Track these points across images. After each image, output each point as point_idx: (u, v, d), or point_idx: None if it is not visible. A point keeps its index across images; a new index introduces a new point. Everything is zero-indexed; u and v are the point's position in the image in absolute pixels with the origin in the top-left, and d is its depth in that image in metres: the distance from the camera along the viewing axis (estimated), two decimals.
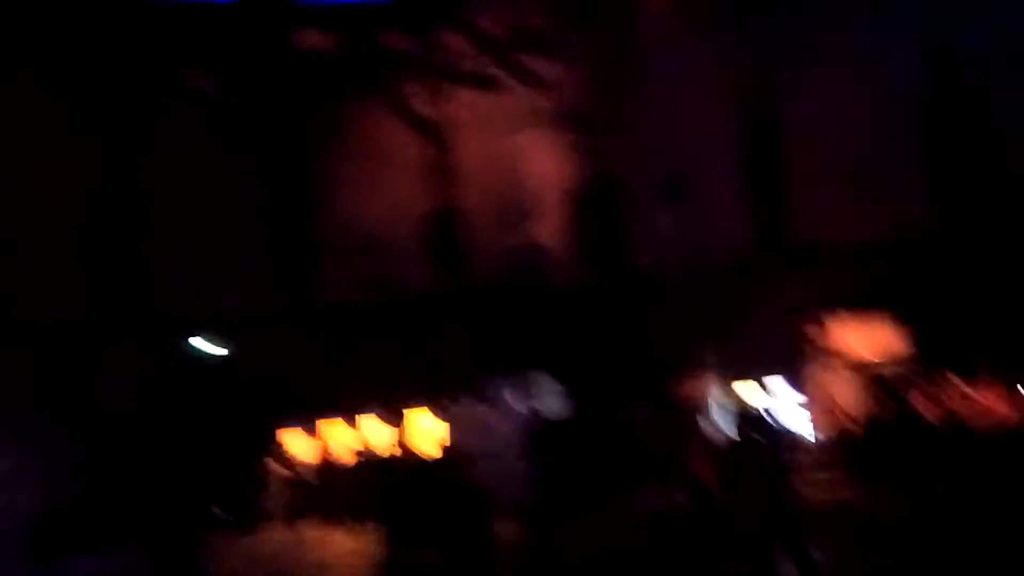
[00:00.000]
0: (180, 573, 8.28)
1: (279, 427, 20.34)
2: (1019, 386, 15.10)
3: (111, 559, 15.10)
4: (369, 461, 18.69)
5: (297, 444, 20.21)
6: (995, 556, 7.50)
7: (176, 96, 21.90)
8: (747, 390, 18.46)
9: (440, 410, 19.28)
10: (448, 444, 18.22)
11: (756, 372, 18.60)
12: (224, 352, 20.66)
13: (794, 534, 7.21)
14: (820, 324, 19.34)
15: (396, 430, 19.45)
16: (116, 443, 19.14)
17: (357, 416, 20.00)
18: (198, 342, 20.34)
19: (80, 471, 18.02)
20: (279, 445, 20.22)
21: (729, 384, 18.60)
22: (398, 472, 18.18)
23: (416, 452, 18.58)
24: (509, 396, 18.77)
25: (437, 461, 19.00)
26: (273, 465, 18.98)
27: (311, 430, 20.43)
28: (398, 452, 18.80)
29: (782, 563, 7.23)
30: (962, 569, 7.54)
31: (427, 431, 19.44)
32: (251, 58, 22.37)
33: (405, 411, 19.60)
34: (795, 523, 7.26)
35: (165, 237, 20.70)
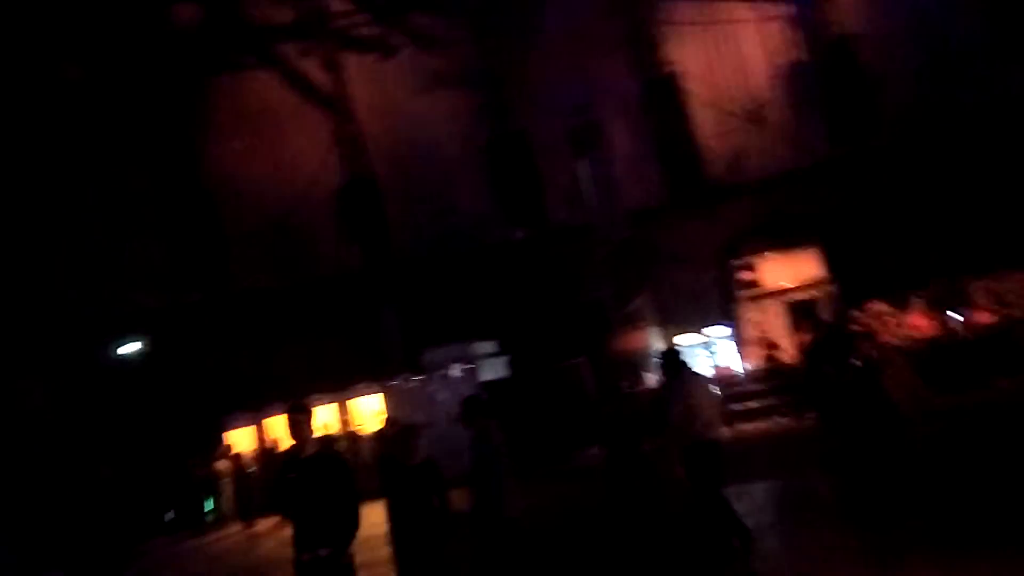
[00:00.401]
0: None
1: (220, 424, 19.88)
2: (941, 308, 16.41)
3: None
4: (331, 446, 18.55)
5: (239, 439, 19.82)
6: (921, 475, 8.10)
7: (52, 89, 20.68)
8: (680, 334, 19.15)
9: (378, 387, 19.29)
10: (391, 419, 18.32)
11: (686, 315, 19.34)
12: (146, 352, 20.01)
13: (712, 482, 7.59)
14: (742, 260, 20.26)
15: (341, 411, 19.35)
16: (41, 457, 18.40)
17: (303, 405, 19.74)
18: (120, 346, 19.61)
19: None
20: (222, 442, 19.80)
21: (662, 330, 19.31)
22: (347, 453, 18.32)
23: (361, 432, 18.65)
24: (445, 365, 18.91)
25: (382, 438, 19.31)
26: (219, 463, 18.58)
27: (251, 423, 20.06)
28: (345, 431, 18.80)
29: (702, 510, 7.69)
30: (886, 490, 8.09)
31: (368, 410, 19.44)
32: (130, 40, 21.25)
33: (347, 393, 19.48)
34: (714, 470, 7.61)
35: (68, 243, 19.76)
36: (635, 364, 17.94)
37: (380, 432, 13.72)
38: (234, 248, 22.45)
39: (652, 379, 16.44)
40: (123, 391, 19.78)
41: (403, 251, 21.68)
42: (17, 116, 20.23)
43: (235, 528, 17.44)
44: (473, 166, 21.90)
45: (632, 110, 21.50)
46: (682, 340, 18.55)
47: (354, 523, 5.86)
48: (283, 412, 17.29)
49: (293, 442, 6.12)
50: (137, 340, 20.42)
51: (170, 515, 18.56)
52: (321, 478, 5.86)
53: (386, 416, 18.51)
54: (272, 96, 22.34)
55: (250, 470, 18.28)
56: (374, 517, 10.46)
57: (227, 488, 18.21)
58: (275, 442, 18.70)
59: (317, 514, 5.76)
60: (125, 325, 20.34)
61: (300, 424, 6.15)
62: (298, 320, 21.30)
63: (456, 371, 18.69)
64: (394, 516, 6.88)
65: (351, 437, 18.66)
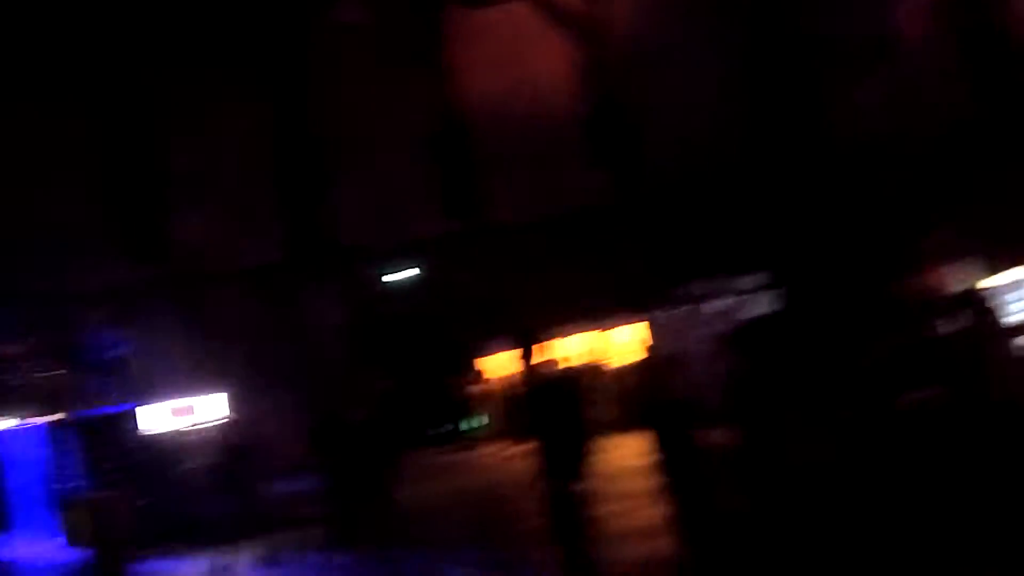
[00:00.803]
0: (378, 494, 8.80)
1: (478, 348, 20.61)
2: None
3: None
4: (568, 376, 18.64)
5: (496, 364, 20.45)
6: None
7: (331, 31, 21.91)
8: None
9: (635, 319, 18.89)
10: (648, 353, 17.97)
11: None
12: (416, 279, 21.09)
13: None
14: None
15: (592, 344, 19.26)
16: (328, 371, 20.16)
17: (552, 333, 19.93)
18: (392, 272, 20.83)
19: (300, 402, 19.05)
20: (478, 366, 20.54)
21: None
22: (597, 386, 18.34)
23: (612, 365, 18.56)
24: (707, 298, 18.07)
25: (636, 371, 19.12)
26: (478, 385, 19.30)
27: (509, 349, 20.57)
28: (596, 366, 18.71)
29: None
30: None
31: (624, 342, 19.15)
32: None
33: (599, 324, 19.33)
34: None
35: (346, 176, 21.12)
36: (935, 304, 15.94)
37: (640, 364, 13.46)
38: (491, 179, 22.82)
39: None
40: (398, 313, 21.07)
41: (661, 177, 20.85)
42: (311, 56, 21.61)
43: (491, 448, 18.13)
44: (737, 85, 20.42)
45: (930, 18, 18.89)
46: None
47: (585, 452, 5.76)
48: (534, 341, 17.52)
49: (540, 370, 6.02)
50: (411, 266, 21.56)
51: (434, 430, 19.77)
52: (560, 406, 5.71)
53: (647, 347, 18.18)
54: (520, 21, 22.13)
55: (507, 394, 18.85)
56: (625, 449, 10.20)
57: (485, 409, 18.95)
58: (531, 369, 19.04)
59: (557, 441, 5.62)
60: (401, 252, 21.51)
61: (539, 353, 6.05)
62: (553, 251, 21.35)
63: (719, 304, 17.79)
64: (661, 449, 6.54)
65: (604, 369, 18.54)
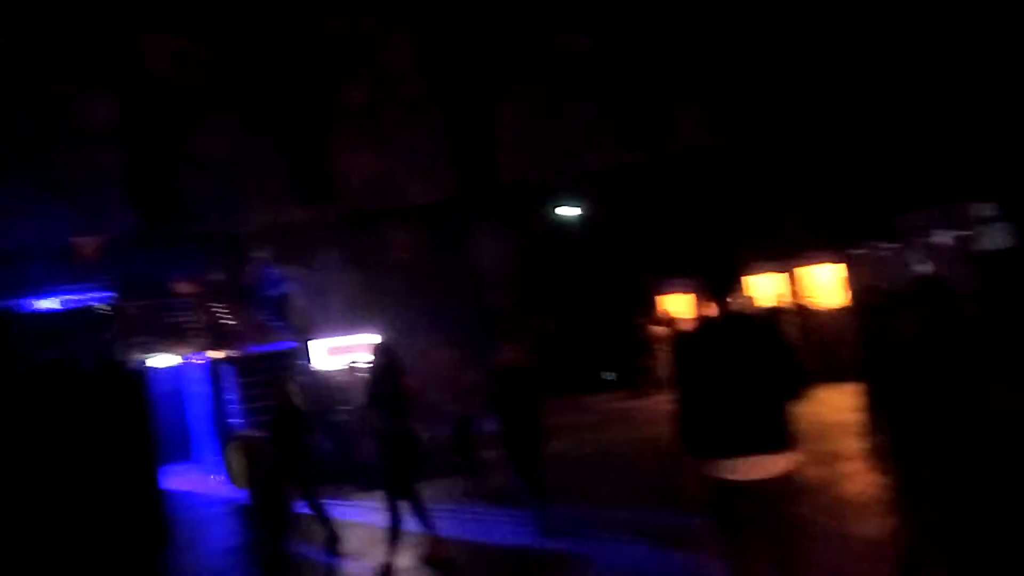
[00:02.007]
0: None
1: (657, 288, 19.54)
2: None
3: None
4: (758, 319, 17.14)
5: (675, 304, 19.30)
6: None
7: None
8: None
9: (839, 257, 17.06)
10: (852, 293, 16.25)
11: None
12: (587, 213, 20.17)
13: None
14: None
15: (789, 283, 17.61)
16: (496, 307, 19.82)
17: (742, 271, 18.46)
18: (564, 206, 20.01)
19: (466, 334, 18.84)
20: (659, 306, 19.48)
21: None
22: (790, 329, 16.77)
23: (810, 305, 16.88)
24: (927, 231, 15.96)
25: (836, 313, 17.43)
26: (656, 327, 18.22)
27: (688, 290, 19.36)
28: (794, 305, 17.08)
29: None
30: None
31: (822, 281, 17.39)
32: None
33: (797, 262, 17.63)
34: None
35: (511, 110, 20.43)
36: None
37: (863, 303, 11.98)
38: (676, 104, 21.38)
39: None
40: (566, 251, 20.27)
41: (869, 98, 18.65)
42: None
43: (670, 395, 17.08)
44: None
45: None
46: None
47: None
48: (726, 279, 16.13)
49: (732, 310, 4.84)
50: (578, 202, 20.62)
51: (609, 375, 18.96)
52: (761, 350, 4.51)
53: (865, 286, 16.45)
54: None
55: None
56: (830, 404, 8.91)
57: (663, 353, 17.80)
58: (723, 308, 17.74)
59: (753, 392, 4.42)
60: (568, 186, 20.60)
61: (730, 292, 4.86)
62: (743, 180, 19.71)
63: (943, 238, 15.70)
64: (886, 405, 5.31)
65: (801, 311, 16.90)
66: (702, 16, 20.55)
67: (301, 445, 8.28)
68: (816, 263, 17.45)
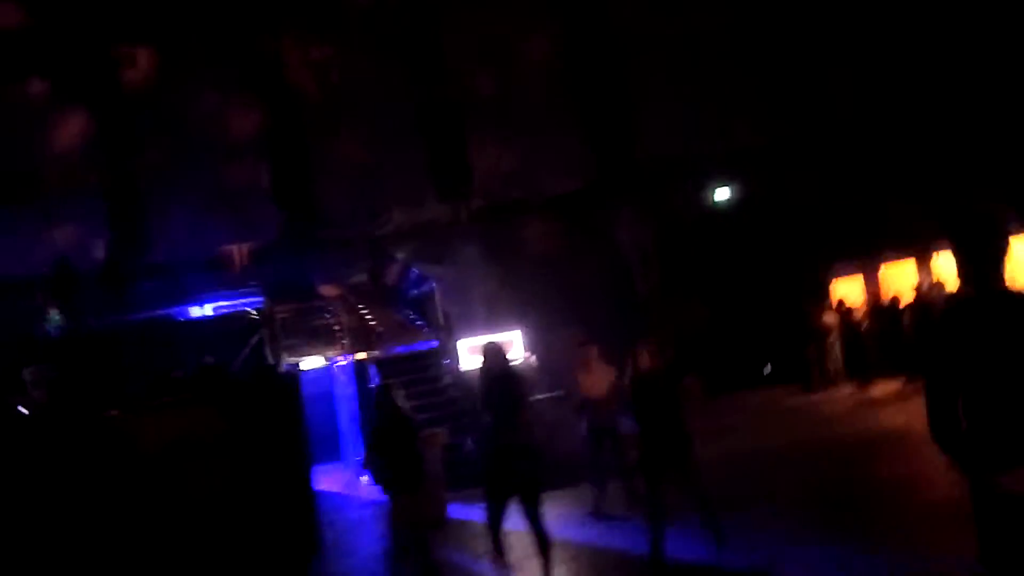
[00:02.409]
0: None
1: (826, 273, 18.41)
2: None
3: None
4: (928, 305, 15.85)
5: (846, 289, 18.15)
6: None
7: None
8: None
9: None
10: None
11: None
12: (744, 194, 19.24)
13: None
14: None
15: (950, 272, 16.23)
16: (644, 297, 19.30)
17: (914, 254, 17.14)
18: (714, 186, 19.22)
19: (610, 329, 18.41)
20: (829, 292, 18.36)
21: None
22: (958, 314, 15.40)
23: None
24: None
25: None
26: (826, 315, 17.16)
27: (860, 272, 18.17)
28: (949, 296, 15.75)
29: None
30: None
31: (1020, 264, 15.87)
32: None
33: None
34: None
35: (653, 91, 19.78)
36: None
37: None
38: (833, 75, 20.16)
39: None
40: (717, 235, 19.44)
41: None
42: None
43: (846, 389, 16.07)
44: None
45: None
46: None
47: None
48: (899, 259, 14.90)
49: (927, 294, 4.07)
50: (732, 182, 19.75)
51: (767, 368, 18.02)
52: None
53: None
54: None
55: (862, 324, 16.56)
56: None
57: (835, 344, 16.78)
58: (889, 294, 16.64)
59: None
60: (717, 167, 19.77)
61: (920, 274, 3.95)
62: (916, 151, 18.25)
63: None
64: None
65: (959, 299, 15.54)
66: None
67: (413, 453, 7.88)
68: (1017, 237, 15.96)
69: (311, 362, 13.23)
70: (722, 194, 19.92)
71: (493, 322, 14.82)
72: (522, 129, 19.82)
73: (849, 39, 19.57)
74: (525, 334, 14.40)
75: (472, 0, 19.81)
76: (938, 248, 16.64)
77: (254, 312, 11.85)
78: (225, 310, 13.08)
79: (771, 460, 10.91)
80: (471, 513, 9.91)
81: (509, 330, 13.82)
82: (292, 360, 12.86)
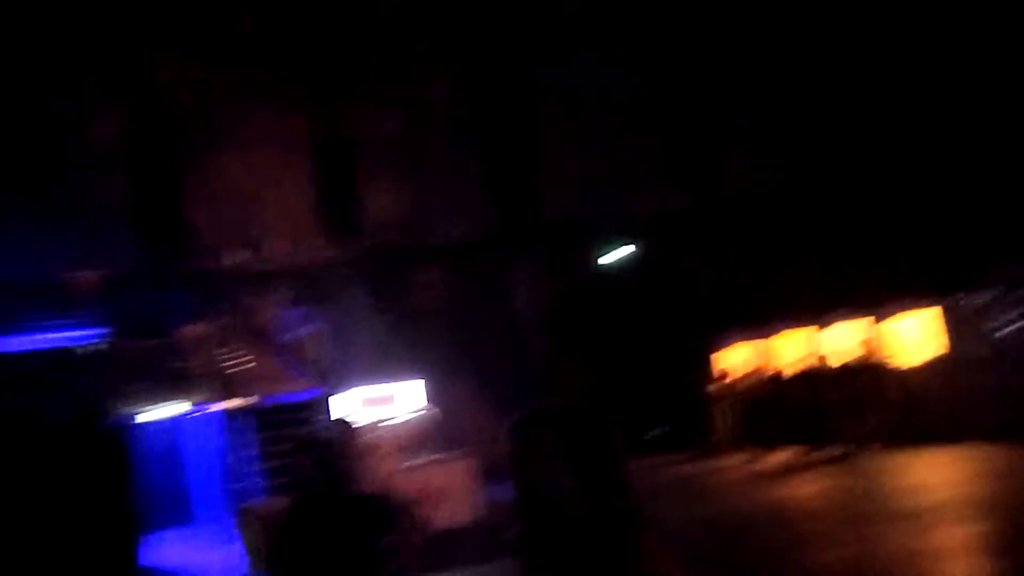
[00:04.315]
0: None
1: (712, 342, 17.35)
2: None
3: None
4: (834, 376, 14.91)
5: (733, 360, 17.11)
6: None
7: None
8: None
9: (924, 305, 14.86)
10: (939, 352, 14.05)
11: None
12: (633, 260, 18.08)
13: None
14: None
15: (862, 337, 15.37)
16: (533, 352, 17.72)
17: (804, 324, 16.30)
18: (608, 249, 17.93)
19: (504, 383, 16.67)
20: (712, 361, 17.28)
21: None
22: (868, 388, 14.57)
23: (887, 365, 14.65)
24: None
25: (916, 374, 15.16)
26: (714, 384, 16.01)
27: (748, 343, 17.20)
28: (872, 365, 14.82)
29: None
30: None
31: (905, 336, 15.18)
32: None
33: (871, 312, 15.44)
34: None
35: (555, 147, 18.46)
36: None
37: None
38: (732, 143, 19.41)
39: None
40: (609, 299, 18.16)
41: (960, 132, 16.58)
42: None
43: (732, 458, 14.83)
44: None
45: None
46: None
47: None
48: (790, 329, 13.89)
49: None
50: (624, 246, 18.55)
51: (653, 433, 16.74)
52: None
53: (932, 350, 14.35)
54: None
55: (744, 395, 15.46)
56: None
57: (724, 412, 15.58)
58: (774, 366, 15.65)
59: None
60: (614, 230, 18.56)
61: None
62: (810, 223, 17.60)
63: None
64: None
65: (878, 369, 14.67)
66: (758, 53, 18.71)
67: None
68: (898, 314, 15.24)
69: (163, 411, 10.71)
70: (618, 256, 18.70)
71: (388, 370, 12.75)
72: (420, 171, 18.04)
73: (751, 105, 18.93)
74: (427, 384, 12.41)
75: (374, 33, 18.06)
76: (830, 320, 15.96)
77: (91, 347, 9.35)
78: (58, 343, 10.48)
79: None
80: None
81: (409, 379, 11.82)
82: (141, 406, 10.37)
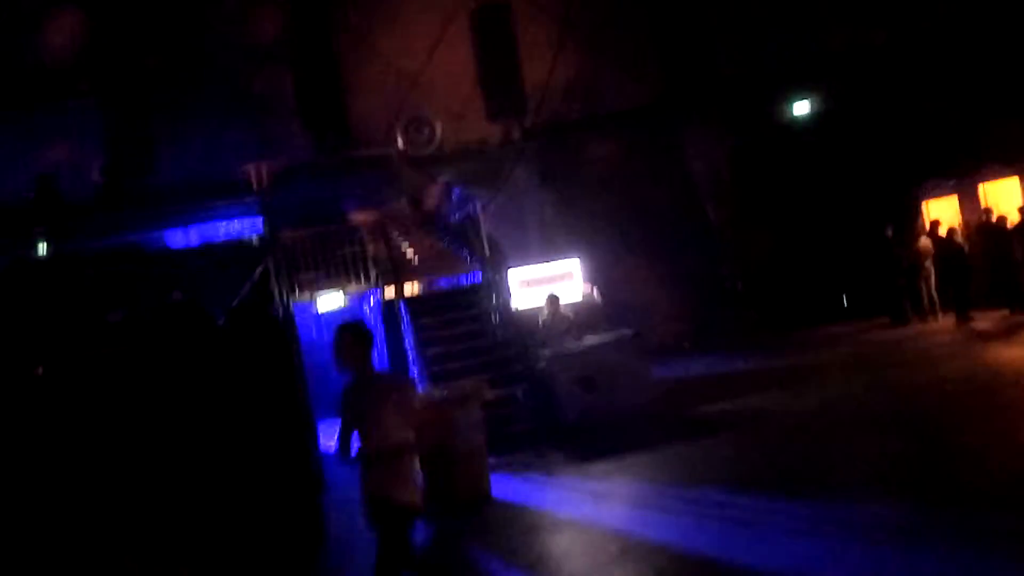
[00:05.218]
0: None
1: (917, 192, 15.39)
2: None
3: None
4: None
5: (941, 211, 15.11)
6: None
7: None
8: None
9: None
10: None
11: None
12: (826, 106, 16.09)
13: None
14: None
15: None
16: (710, 221, 16.55)
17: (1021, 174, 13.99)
18: (793, 101, 16.08)
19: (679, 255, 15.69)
20: (921, 214, 15.37)
21: None
22: None
23: None
24: None
25: None
26: (919, 239, 14.18)
27: (956, 192, 15.08)
28: None
29: None
30: None
31: None
32: None
33: None
34: None
35: None
36: None
37: None
38: None
39: None
40: (794, 157, 16.41)
41: None
42: None
43: (943, 322, 13.17)
44: None
45: None
46: None
47: None
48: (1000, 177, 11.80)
49: None
50: (813, 94, 16.54)
51: (851, 300, 15.22)
52: None
53: None
54: None
55: (964, 248, 13.50)
56: None
57: (931, 272, 13.76)
58: (991, 214, 13.53)
59: None
60: (802, 74, 16.53)
61: None
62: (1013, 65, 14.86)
63: None
64: None
65: None
66: None
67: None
68: None
69: (330, 300, 10.68)
70: (802, 108, 16.72)
71: (548, 251, 12.10)
72: (582, 36, 16.78)
73: None
74: (585, 264, 11.69)
75: None
76: None
77: (260, 239, 9.31)
78: (234, 235, 10.62)
79: (856, 418, 8.04)
80: (522, 490, 7.36)
81: (566, 259, 11.14)
82: (306, 297, 10.37)
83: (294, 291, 10.18)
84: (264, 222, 10.47)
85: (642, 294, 14.32)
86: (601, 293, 11.84)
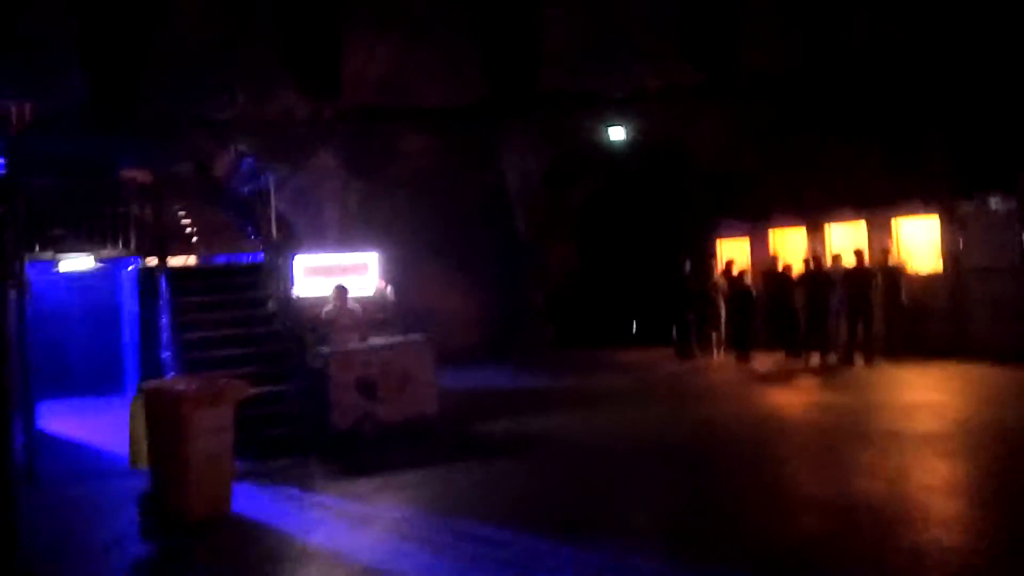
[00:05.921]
0: None
1: (711, 231, 15.67)
2: None
3: None
4: (831, 273, 13.32)
5: (732, 251, 15.48)
6: None
7: None
8: None
9: (935, 209, 13.17)
10: (948, 255, 12.48)
11: None
12: (635, 137, 16.13)
13: None
14: None
15: (875, 237, 13.68)
16: (518, 232, 16.11)
17: (817, 220, 14.59)
18: (609, 126, 15.96)
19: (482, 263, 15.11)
20: (715, 252, 15.65)
21: None
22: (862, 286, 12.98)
23: (896, 266, 13.06)
24: None
25: (925, 281, 13.58)
26: (712, 277, 14.38)
27: (747, 234, 15.54)
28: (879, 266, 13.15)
29: None
30: None
31: (914, 238, 13.54)
32: None
33: (878, 211, 13.73)
34: None
35: (558, 13, 16.14)
36: None
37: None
38: (746, 25, 17.12)
39: None
40: (613, 174, 16.36)
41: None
42: None
43: (724, 358, 13.40)
44: None
45: None
46: None
47: None
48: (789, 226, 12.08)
49: None
50: (625, 122, 16.54)
51: (638, 328, 15.30)
52: None
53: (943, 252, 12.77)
54: None
55: (753, 290, 13.84)
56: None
57: (719, 309, 14.00)
58: (777, 261, 13.99)
59: None
60: (615, 104, 16.49)
61: None
62: (818, 111, 15.60)
63: None
64: None
65: (892, 271, 13.02)
66: None
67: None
68: (908, 215, 13.54)
69: (75, 263, 9.05)
70: (617, 133, 16.69)
71: (347, 241, 11.04)
72: (406, 26, 15.83)
73: None
74: (384, 260, 10.72)
75: None
76: (830, 219, 14.28)
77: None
78: None
79: (638, 450, 7.69)
80: (271, 507, 6.23)
81: (363, 251, 10.14)
82: (47, 256, 8.72)
83: (33, 248, 8.50)
84: (5, 164, 8.67)
85: (440, 298, 13.57)
86: (396, 292, 10.89)
